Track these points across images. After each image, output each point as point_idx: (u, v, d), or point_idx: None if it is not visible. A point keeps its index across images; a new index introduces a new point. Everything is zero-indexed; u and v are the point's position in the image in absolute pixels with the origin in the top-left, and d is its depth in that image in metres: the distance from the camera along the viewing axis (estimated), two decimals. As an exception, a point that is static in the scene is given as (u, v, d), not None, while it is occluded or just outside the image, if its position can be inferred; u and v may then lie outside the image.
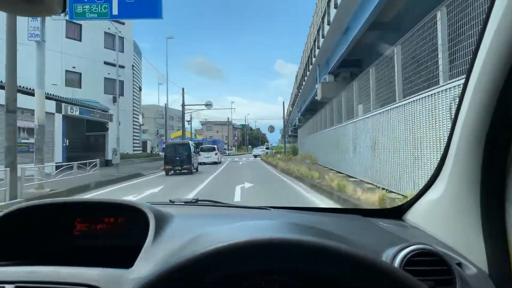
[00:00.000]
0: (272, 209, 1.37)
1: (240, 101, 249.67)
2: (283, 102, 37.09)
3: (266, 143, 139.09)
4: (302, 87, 33.15)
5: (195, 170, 18.53)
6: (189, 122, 53.57)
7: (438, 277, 0.82)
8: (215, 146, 31.12)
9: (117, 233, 1.09)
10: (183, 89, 31.57)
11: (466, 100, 0.85)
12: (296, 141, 65.63)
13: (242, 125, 66.47)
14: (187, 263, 0.58)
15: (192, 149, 18.20)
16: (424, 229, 1.11)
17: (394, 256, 0.86)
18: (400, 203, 1.33)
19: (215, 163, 27.31)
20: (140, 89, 38.62)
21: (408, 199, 1.28)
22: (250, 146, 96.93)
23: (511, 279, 0.80)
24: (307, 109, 36.05)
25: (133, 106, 33.54)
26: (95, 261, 0.90)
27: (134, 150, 33.66)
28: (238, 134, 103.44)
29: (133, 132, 33.81)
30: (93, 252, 1.07)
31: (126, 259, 0.87)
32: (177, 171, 17.30)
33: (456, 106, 0.91)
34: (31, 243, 1.07)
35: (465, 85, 0.85)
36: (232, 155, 59.07)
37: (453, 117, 0.94)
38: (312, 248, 0.60)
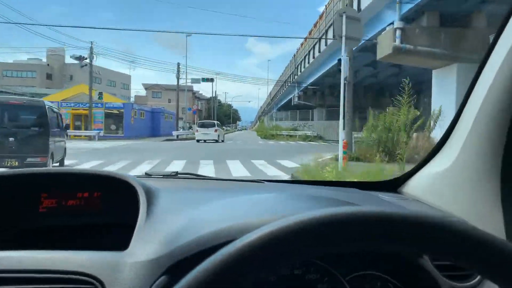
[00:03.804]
0: (265, 182, 1.26)
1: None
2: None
3: (237, 122, 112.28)
4: None
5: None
6: (86, 63, 23.63)
7: None
8: (216, 122, 26.22)
9: (92, 210, 0.93)
10: None
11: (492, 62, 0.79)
12: (288, 117, 37.81)
13: (205, 79, 36.19)
14: (232, 257, 0.39)
15: (55, 118, 8.79)
16: (426, 202, 1.08)
17: None
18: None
19: (215, 141, 23.38)
20: None
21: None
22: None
23: None
24: None
25: None
26: (69, 244, 0.76)
27: None
28: (202, 107, 74.73)
29: None
30: (64, 233, 0.92)
31: (106, 239, 0.80)
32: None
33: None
34: None
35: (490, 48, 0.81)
36: (176, 139, 28.78)
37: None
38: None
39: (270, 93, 60.60)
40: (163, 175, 1.28)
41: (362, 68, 23.78)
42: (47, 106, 8.45)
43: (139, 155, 13.73)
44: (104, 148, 17.32)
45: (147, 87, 60.15)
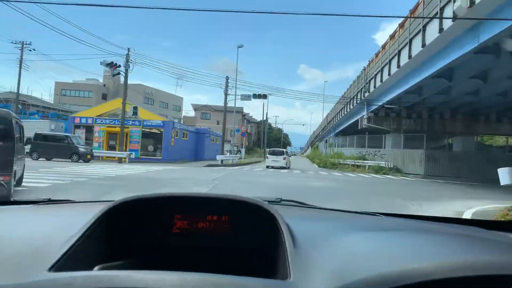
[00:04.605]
0: (381, 215, 1.25)
1: (256, 103, 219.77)
2: None
3: (287, 147, 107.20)
4: None
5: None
6: (118, 71, 20.07)
7: None
8: (284, 150, 28.95)
9: (218, 232, 0.95)
10: None
11: None
12: (353, 144, 31.66)
13: (256, 95, 30.90)
14: None
15: (18, 131, 7.73)
16: None
17: None
18: None
19: (283, 168, 24.43)
20: None
21: None
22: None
23: None
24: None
25: None
26: (205, 266, 0.80)
27: None
28: (252, 130, 71.18)
29: None
30: (192, 253, 0.95)
31: (239, 263, 0.83)
32: None
33: None
34: (129, 240, 0.93)
35: None
36: (220, 164, 24.65)
37: None
38: None
39: (326, 116, 55.06)
40: (268, 201, 1.29)
41: (465, 80, 17.81)
42: (12, 118, 7.41)
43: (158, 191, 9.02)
44: (121, 177, 12.95)
45: (196, 107, 57.52)
